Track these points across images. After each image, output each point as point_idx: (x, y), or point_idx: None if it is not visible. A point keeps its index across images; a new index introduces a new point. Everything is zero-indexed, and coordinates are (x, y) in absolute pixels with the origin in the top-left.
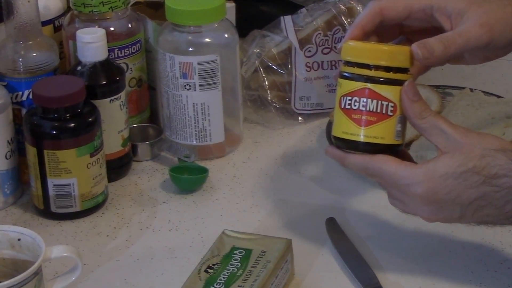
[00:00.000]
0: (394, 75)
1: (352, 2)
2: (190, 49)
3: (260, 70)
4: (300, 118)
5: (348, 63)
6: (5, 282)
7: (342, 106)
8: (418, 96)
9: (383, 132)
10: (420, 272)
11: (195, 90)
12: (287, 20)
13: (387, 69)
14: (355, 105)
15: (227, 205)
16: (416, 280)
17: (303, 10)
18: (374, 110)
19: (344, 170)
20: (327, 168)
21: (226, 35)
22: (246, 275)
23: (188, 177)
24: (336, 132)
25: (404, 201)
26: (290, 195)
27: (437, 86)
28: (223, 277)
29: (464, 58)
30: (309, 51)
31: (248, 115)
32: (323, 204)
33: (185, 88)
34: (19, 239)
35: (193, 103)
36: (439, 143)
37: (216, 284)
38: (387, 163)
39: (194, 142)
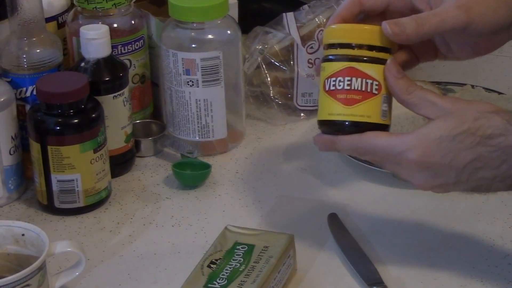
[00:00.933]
0: (377, 53)
1: None
2: (193, 45)
3: (263, 67)
4: (302, 114)
5: (331, 46)
6: (10, 277)
7: (327, 89)
8: (402, 73)
9: (369, 111)
10: (421, 267)
11: (198, 86)
12: (289, 17)
13: (370, 47)
14: (339, 85)
15: (230, 201)
16: (417, 275)
17: (305, 6)
18: (359, 89)
19: (346, 166)
20: (329, 164)
21: (228, 32)
22: (249, 270)
23: (191, 173)
24: (322, 115)
25: (398, 172)
26: (292, 191)
27: (439, 83)
28: (226, 272)
29: (452, 50)
30: (311, 47)
31: (251, 111)
32: (325, 200)
33: (188, 84)
34: (23, 235)
35: (196, 99)
36: (430, 114)
37: (219, 279)
38: (377, 137)
39: (197, 138)
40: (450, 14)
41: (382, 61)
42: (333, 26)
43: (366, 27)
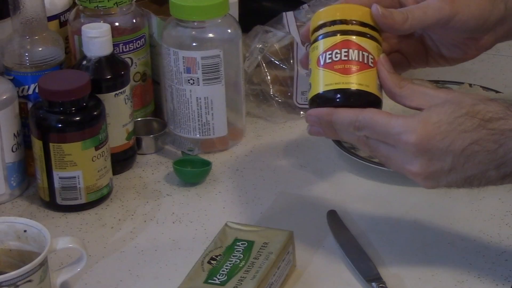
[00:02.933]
0: (370, 31)
1: None
2: (194, 44)
3: (263, 65)
4: (301, 112)
5: (322, 26)
6: (12, 273)
7: (322, 64)
8: (393, 70)
9: (367, 81)
10: (419, 264)
11: (198, 85)
12: (289, 16)
13: (363, 24)
14: (336, 57)
15: (230, 198)
16: (415, 272)
17: (305, 6)
18: (357, 59)
19: (345, 163)
20: (328, 161)
21: (229, 31)
22: (249, 266)
23: (192, 170)
24: (317, 89)
25: (390, 157)
26: (292, 188)
27: (437, 81)
28: (226, 268)
29: (442, 53)
30: None
31: (251, 109)
32: (324, 197)
33: (189, 82)
34: (25, 231)
35: (197, 97)
36: (424, 105)
37: (219, 275)
38: (378, 114)
39: (198, 135)
40: (432, 6)
41: (374, 39)
42: (323, 8)
43: (357, 6)
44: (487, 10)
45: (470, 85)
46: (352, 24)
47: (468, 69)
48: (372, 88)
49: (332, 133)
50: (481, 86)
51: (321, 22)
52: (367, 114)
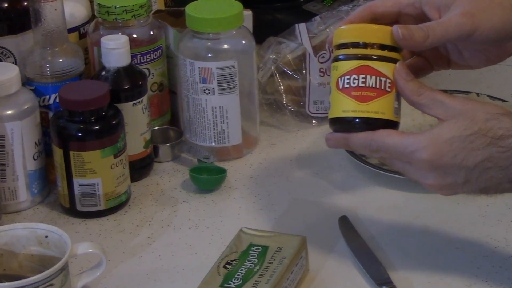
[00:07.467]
0: (389, 53)
1: None
2: (209, 55)
3: (276, 75)
4: (314, 121)
5: (342, 46)
6: (33, 277)
7: (341, 87)
8: (411, 76)
9: (383, 107)
10: (428, 268)
11: (214, 94)
12: (301, 28)
13: (382, 47)
14: (354, 83)
15: (245, 204)
16: (424, 276)
17: (317, 18)
18: (374, 86)
19: (356, 170)
20: (339, 168)
21: (243, 42)
22: (263, 270)
23: (207, 177)
24: (335, 113)
25: (407, 171)
26: (305, 195)
27: (445, 91)
28: (241, 273)
29: (464, 58)
30: (323, 57)
31: (265, 118)
32: (336, 203)
33: (205, 92)
34: (46, 236)
35: (212, 107)
36: (441, 114)
37: (234, 279)
38: (390, 136)
39: (213, 144)
40: (453, 22)
41: (393, 60)
42: (343, 27)
43: (377, 27)
44: (509, 21)
45: (478, 94)
46: (372, 48)
47: (475, 78)
48: (388, 114)
49: (352, 150)
50: (488, 95)
51: (342, 41)
52: (378, 138)
